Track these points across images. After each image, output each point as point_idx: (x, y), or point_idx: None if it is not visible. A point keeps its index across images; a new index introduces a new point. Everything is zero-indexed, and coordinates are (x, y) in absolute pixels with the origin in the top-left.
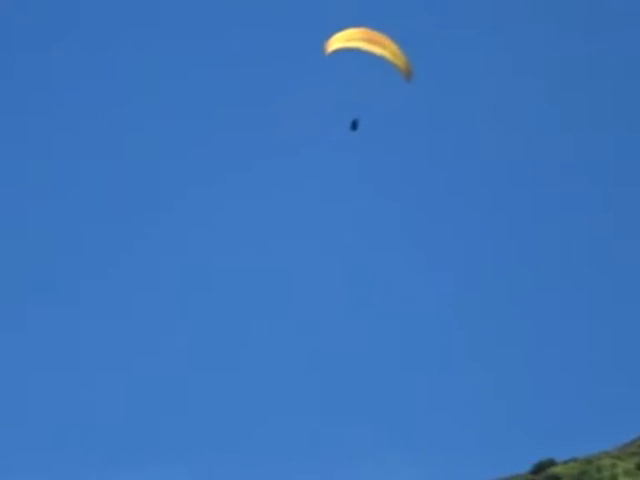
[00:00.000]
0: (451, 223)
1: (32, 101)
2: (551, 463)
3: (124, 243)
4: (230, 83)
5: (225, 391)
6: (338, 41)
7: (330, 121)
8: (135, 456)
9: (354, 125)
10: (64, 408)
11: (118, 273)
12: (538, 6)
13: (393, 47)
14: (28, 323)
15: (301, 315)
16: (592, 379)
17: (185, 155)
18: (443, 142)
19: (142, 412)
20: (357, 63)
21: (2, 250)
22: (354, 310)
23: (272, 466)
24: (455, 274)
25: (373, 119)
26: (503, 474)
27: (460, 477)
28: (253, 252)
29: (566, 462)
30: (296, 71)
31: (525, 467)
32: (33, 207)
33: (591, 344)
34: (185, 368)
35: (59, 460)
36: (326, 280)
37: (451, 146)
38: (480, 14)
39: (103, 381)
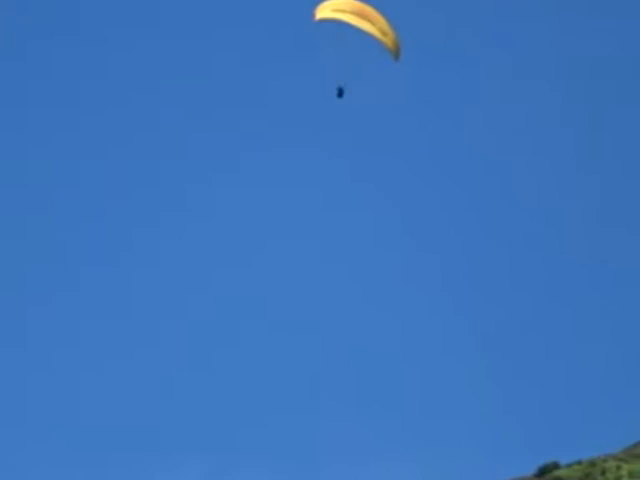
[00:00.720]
0: (449, 216)
1: (32, 101)
2: (555, 466)
3: (122, 243)
4: (228, 82)
5: (225, 391)
6: (327, 9)
7: (324, 118)
8: (134, 455)
9: (340, 93)
10: (63, 408)
11: (117, 272)
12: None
13: (382, 23)
14: (28, 323)
15: (301, 314)
16: (596, 382)
17: (184, 153)
18: (435, 131)
19: (141, 412)
20: (346, 39)
21: (2, 250)
22: (353, 308)
23: (271, 466)
24: (460, 269)
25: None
26: (508, 476)
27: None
28: (252, 252)
29: (570, 465)
30: (284, 65)
31: (530, 470)
32: (32, 207)
33: (596, 347)
34: (185, 368)
35: (58, 459)
36: (326, 280)
37: (443, 134)
38: (480, 4)
39: (103, 381)
